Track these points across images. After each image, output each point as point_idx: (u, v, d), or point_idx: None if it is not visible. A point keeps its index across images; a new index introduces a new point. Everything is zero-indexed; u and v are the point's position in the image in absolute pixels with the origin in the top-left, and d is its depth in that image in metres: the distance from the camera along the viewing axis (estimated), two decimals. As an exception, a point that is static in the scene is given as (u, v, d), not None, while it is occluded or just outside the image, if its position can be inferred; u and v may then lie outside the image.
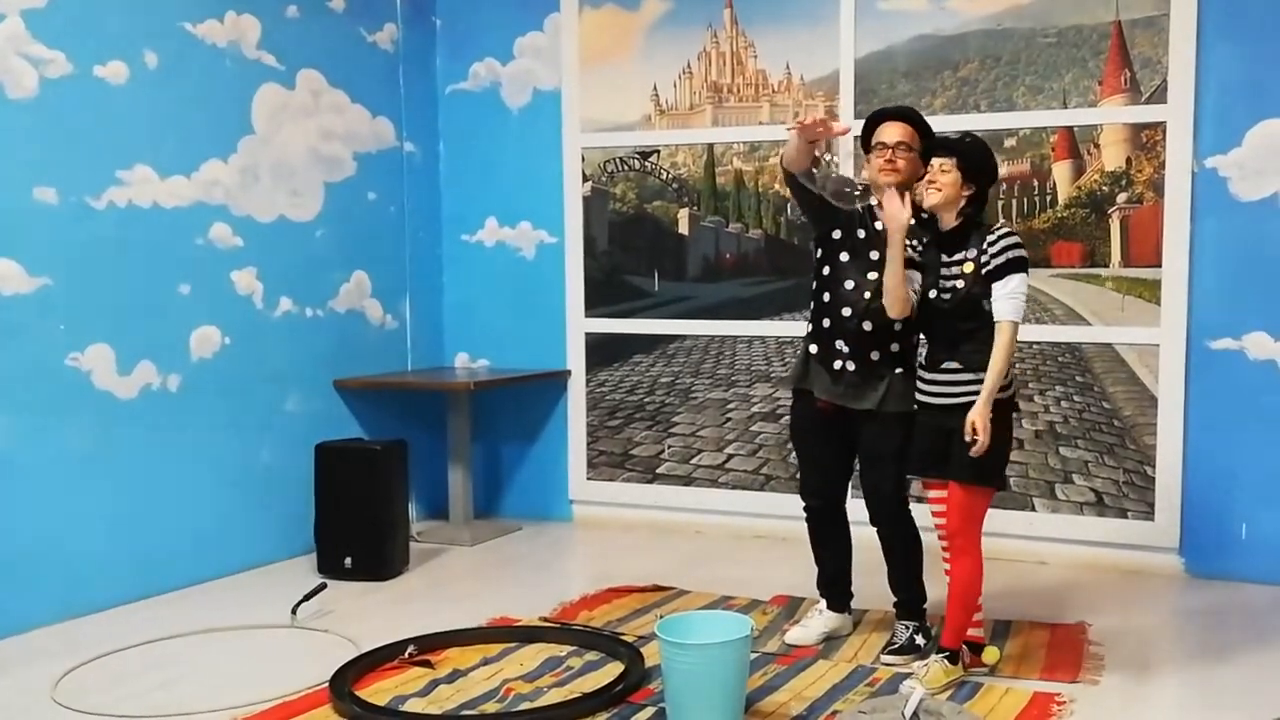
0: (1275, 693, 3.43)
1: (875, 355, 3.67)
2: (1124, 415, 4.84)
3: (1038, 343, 4.95)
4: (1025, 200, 4.98)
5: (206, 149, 4.76)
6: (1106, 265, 4.86)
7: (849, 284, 3.70)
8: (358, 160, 5.51)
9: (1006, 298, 3.37)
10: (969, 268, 3.43)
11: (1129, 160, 4.80)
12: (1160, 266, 4.74)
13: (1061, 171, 4.92)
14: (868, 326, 3.66)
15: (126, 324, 4.41)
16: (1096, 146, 4.86)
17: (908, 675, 3.50)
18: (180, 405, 4.62)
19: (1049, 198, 4.94)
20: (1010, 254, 3.38)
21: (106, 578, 4.32)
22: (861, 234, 3.70)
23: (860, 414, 3.71)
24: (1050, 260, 4.94)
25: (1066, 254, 4.93)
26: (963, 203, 3.45)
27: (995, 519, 4.91)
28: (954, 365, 3.46)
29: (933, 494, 3.62)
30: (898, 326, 3.64)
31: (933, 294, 3.50)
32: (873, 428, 3.71)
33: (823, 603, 3.98)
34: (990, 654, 3.59)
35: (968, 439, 3.34)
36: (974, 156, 3.46)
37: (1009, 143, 4.99)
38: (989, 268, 3.39)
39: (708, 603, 4.32)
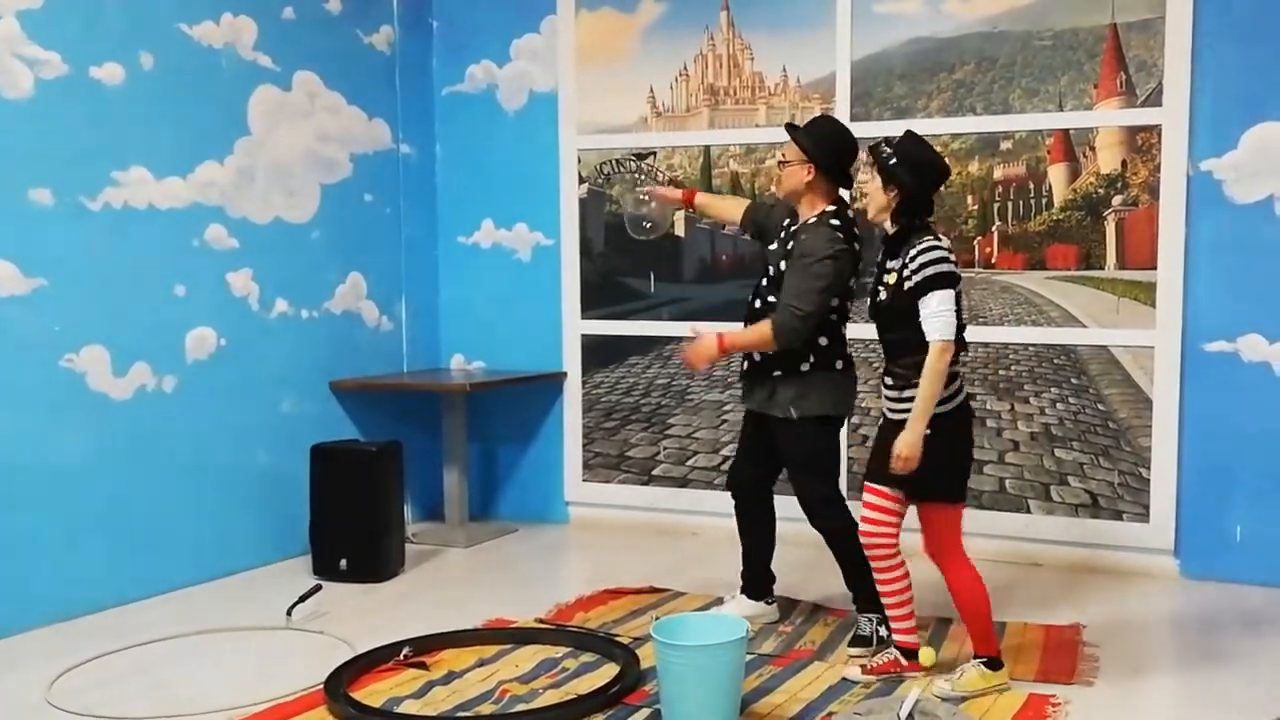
0: (1270, 695, 3.44)
1: (757, 356, 3.85)
2: (1119, 417, 4.84)
3: (1033, 345, 4.96)
4: (1021, 203, 4.99)
5: (202, 150, 4.75)
6: (1102, 268, 4.87)
7: (750, 293, 3.96)
8: (354, 162, 5.51)
9: (930, 318, 3.30)
10: (892, 279, 3.40)
11: (1124, 163, 4.81)
12: (1155, 269, 4.74)
13: (1057, 174, 4.93)
14: None
15: (122, 325, 4.41)
16: (1092, 149, 4.87)
17: (904, 680, 3.51)
18: (175, 406, 4.62)
19: (1045, 200, 4.95)
20: (927, 271, 3.30)
21: (101, 579, 4.32)
22: (772, 246, 3.91)
23: (769, 419, 3.87)
24: (1046, 263, 4.95)
25: (1062, 256, 4.93)
26: (893, 207, 3.40)
27: (991, 520, 4.96)
28: (889, 381, 3.47)
29: (865, 497, 3.54)
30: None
31: (868, 301, 3.53)
32: (779, 432, 3.86)
33: (737, 589, 4.15)
34: (926, 655, 3.55)
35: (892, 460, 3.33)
36: (885, 161, 3.38)
37: (1005, 145, 4.99)
38: (910, 284, 3.33)
39: (703, 604, 4.33)
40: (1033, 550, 4.95)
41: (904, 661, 3.55)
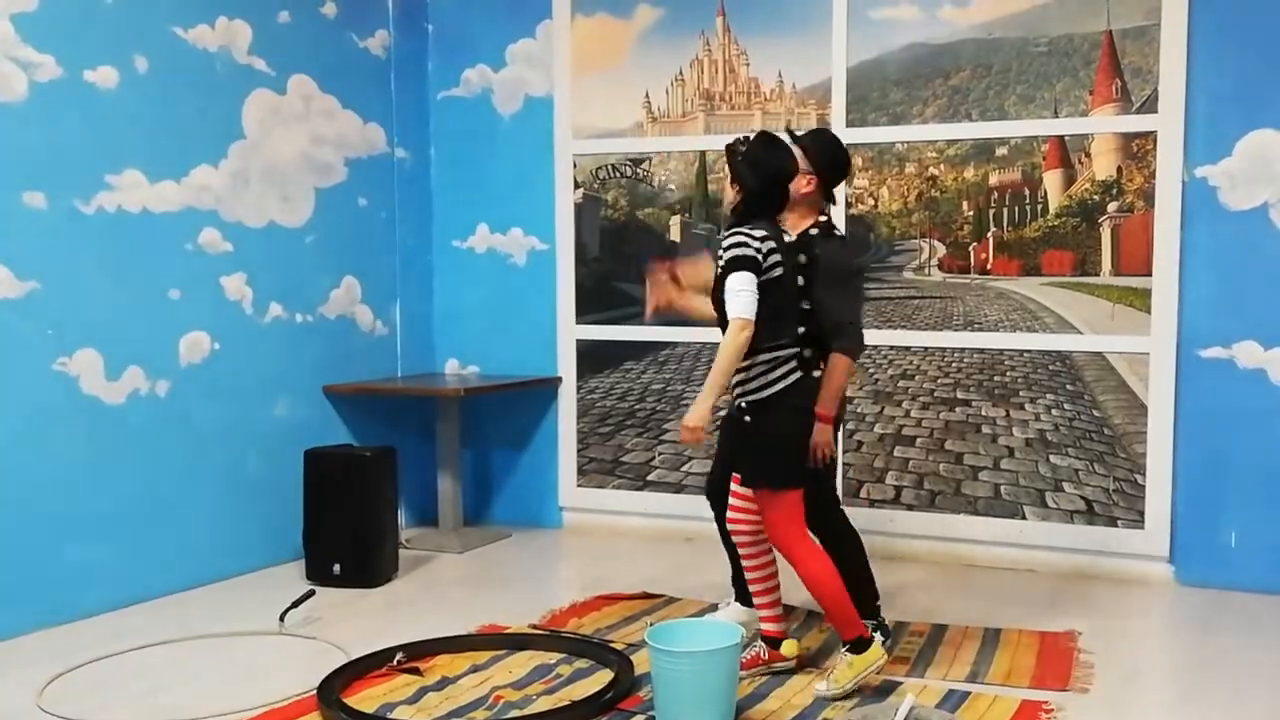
0: (1265, 701, 3.44)
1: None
2: (1114, 424, 4.84)
3: (1029, 351, 4.96)
4: (1016, 209, 4.99)
5: (197, 154, 4.74)
6: (1097, 274, 4.87)
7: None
8: (349, 166, 5.50)
9: (729, 296, 3.36)
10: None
11: (1120, 169, 4.81)
12: (1151, 275, 4.74)
13: (1052, 180, 4.93)
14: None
15: (115, 329, 4.39)
16: (1087, 155, 4.87)
17: (900, 685, 3.50)
18: (169, 411, 4.60)
19: (1040, 206, 4.95)
20: (729, 254, 3.37)
21: (93, 584, 4.30)
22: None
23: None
24: (1041, 269, 4.95)
25: (1057, 262, 4.93)
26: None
27: (985, 526, 4.96)
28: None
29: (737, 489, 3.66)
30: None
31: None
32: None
33: (730, 596, 4.12)
34: (790, 647, 3.59)
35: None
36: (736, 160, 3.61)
37: (1000, 151, 4.99)
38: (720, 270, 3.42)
39: (697, 610, 4.32)
40: (1027, 557, 4.95)
41: (765, 654, 3.60)
